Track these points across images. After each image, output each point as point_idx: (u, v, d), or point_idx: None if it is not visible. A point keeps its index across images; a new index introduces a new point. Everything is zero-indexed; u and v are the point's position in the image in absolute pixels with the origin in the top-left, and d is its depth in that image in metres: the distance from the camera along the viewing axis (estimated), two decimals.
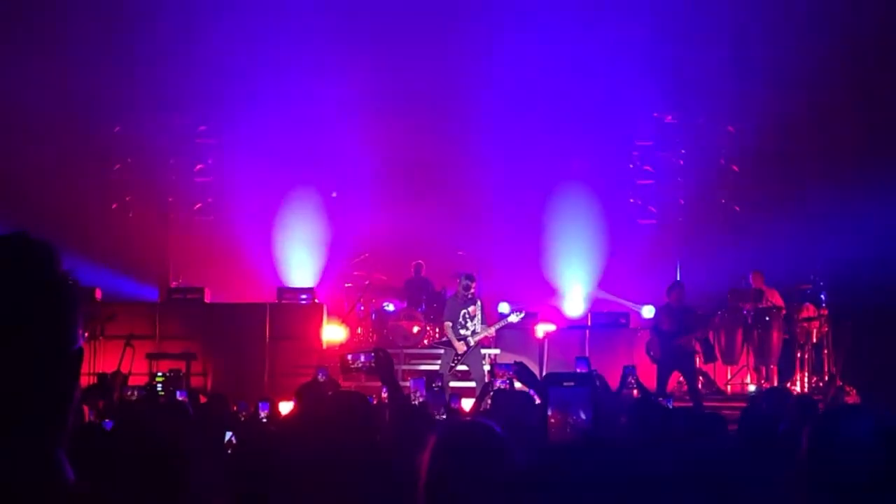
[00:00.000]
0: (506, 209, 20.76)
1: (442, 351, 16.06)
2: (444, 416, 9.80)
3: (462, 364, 15.58)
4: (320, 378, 12.55)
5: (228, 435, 8.82)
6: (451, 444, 3.24)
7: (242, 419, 10.81)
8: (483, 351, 16.75)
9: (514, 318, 16.05)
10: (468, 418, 7.66)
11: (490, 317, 16.43)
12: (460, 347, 15.47)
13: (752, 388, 17.26)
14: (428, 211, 20.50)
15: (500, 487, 3.20)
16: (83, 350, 1.92)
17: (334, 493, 4.34)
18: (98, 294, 18.64)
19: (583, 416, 3.81)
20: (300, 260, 20.96)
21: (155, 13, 19.50)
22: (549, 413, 3.81)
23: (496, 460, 3.26)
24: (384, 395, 9.54)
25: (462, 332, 15.54)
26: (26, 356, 1.81)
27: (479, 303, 15.74)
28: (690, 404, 14.83)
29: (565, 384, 3.87)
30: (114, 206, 21.21)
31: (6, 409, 1.80)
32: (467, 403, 12.19)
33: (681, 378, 16.31)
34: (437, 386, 13.33)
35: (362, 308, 19.75)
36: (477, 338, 15.56)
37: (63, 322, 1.88)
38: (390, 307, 19.54)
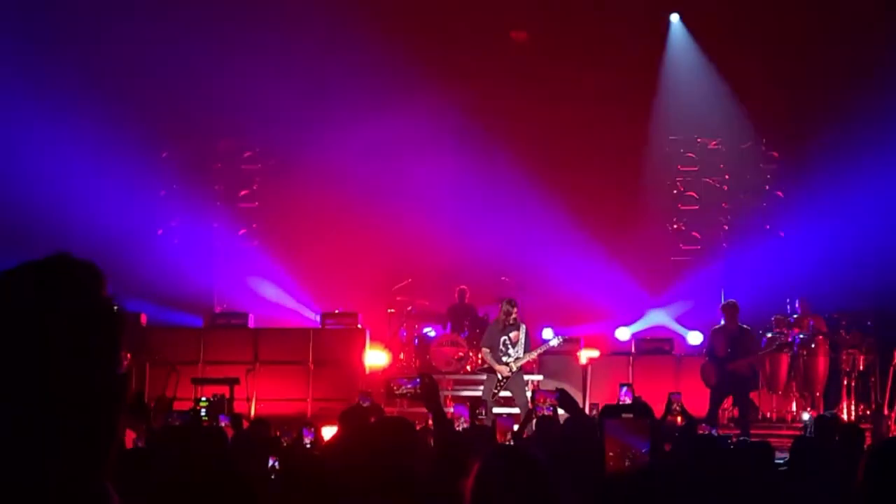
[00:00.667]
0: (550, 233, 20.71)
1: (485, 377, 16.06)
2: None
3: (505, 390, 15.54)
4: (363, 403, 12.55)
5: (271, 461, 8.83)
6: (495, 471, 3.24)
7: (285, 444, 10.81)
8: (526, 377, 16.68)
9: (554, 343, 16.02)
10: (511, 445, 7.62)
11: (534, 342, 16.33)
12: (503, 371, 15.42)
13: (805, 415, 16.95)
14: (472, 236, 20.55)
15: None
16: (127, 375, 1.92)
17: None
18: (143, 319, 18.80)
19: (642, 448, 3.76)
20: (343, 285, 20.97)
21: (192, 41, 19.63)
22: (606, 445, 3.77)
23: (538, 488, 3.26)
24: (429, 421, 9.55)
25: (504, 358, 15.49)
26: (70, 381, 1.79)
27: (523, 328, 15.67)
28: (736, 431, 14.71)
29: (623, 416, 3.83)
30: (159, 231, 21.39)
31: (50, 437, 1.77)
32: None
33: (724, 406, 16.18)
34: (481, 413, 13.27)
35: (405, 333, 19.73)
36: (519, 363, 15.49)
37: (106, 346, 1.86)
38: (431, 332, 19.52)
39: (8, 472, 1.75)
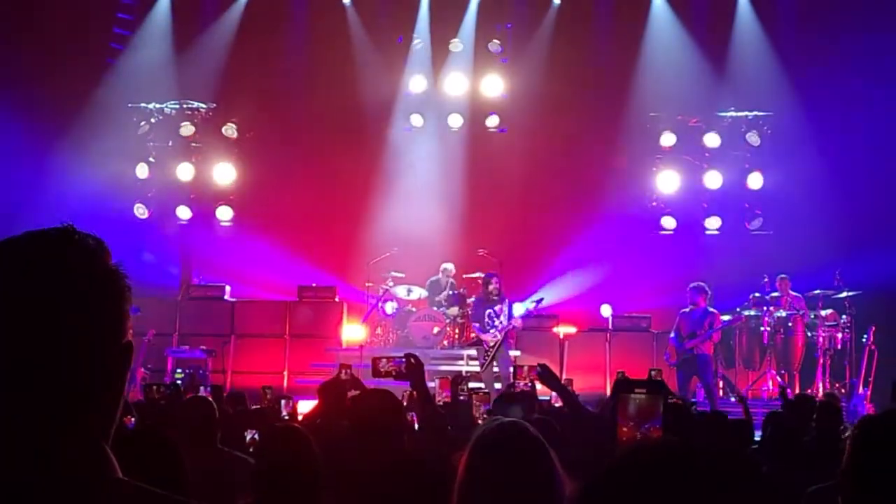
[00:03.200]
0: (530, 208, 20.72)
1: (475, 352, 16.71)
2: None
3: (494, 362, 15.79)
4: (343, 376, 12.49)
5: (250, 434, 8.78)
6: (489, 445, 3.21)
7: (262, 416, 10.75)
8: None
9: (530, 305, 16.59)
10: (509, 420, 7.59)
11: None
12: (490, 339, 16.03)
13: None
14: (451, 210, 20.58)
15: (537, 487, 3.16)
16: (132, 344, 1.90)
17: (366, 492, 4.31)
18: None
19: (655, 423, 3.71)
20: (321, 258, 20.89)
21: None
22: (619, 419, 3.72)
23: (532, 460, 3.23)
24: (406, 395, 9.53)
25: (492, 331, 16.09)
26: (76, 349, 1.79)
27: (506, 301, 16.33)
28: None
29: (637, 391, 3.78)
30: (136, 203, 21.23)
31: (57, 403, 1.78)
32: None
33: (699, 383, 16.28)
34: (463, 389, 13.25)
35: (383, 307, 19.66)
36: (504, 331, 16.09)
37: (112, 315, 1.86)
38: (394, 306, 19.49)
39: (14, 436, 1.76)
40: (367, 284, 19.85)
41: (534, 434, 3.28)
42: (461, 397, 10.66)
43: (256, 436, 8.30)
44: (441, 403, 10.13)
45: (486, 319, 16.14)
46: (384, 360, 6.15)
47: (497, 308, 16.13)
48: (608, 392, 13.08)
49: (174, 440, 3.87)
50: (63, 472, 1.76)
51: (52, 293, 1.78)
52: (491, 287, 16.23)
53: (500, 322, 16.06)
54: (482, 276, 16.87)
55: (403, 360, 5.99)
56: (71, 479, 1.76)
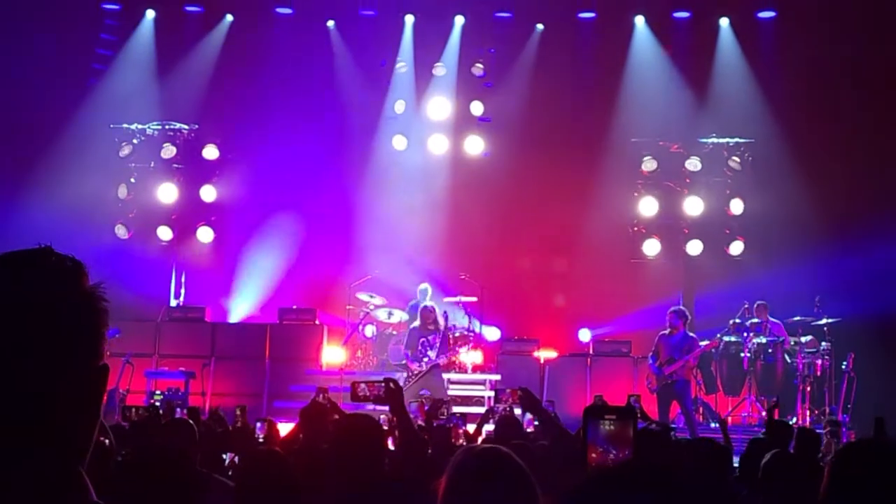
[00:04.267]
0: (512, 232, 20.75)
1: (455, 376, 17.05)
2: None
3: (424, 388, 15.81)
4: (321, 399, 12.46)
5: (228, 456, 8.74)
6: (470, 469, 3.20)
7: (240, 438, 10.71)
8: (484, 376, 17.76)
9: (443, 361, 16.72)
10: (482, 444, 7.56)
11: (452, 349, 17.34)
12: (415, 368, 16.28)
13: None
14: (432, 233, 20.58)
15: None
16: (107, 367, 1.88)
17: None
18: None
19: (626, 451, 3.70)
20: (300, 281, 20.84)
21: None
22: (588, 447, 3.71)
23: (513, 486, 3.22)
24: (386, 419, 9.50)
25: (424, 359, 16.27)
26: (52, 371, 1.77)
27: (441, 333, 16.56)
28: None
29: (606, 418, 3.76)
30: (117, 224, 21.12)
31: (32, 425, 1.76)
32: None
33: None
34: (443, 414, 13.25)
35: (363, 330, 19.61)
36: (430, 364, 16.27)
37: (89, 337, 1.84)
38: (372, 330, 19.51)
39: None
40: (347, 307, 19.81)
41: (515, 460, 3.27)
42: (441, 419, 10.65)
43: (236, 458, 8.27)
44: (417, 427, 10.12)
45: (419, 348, 16.32)
46: (363, 384, 6.12)
47: (431, 338, 16.34)
48: None
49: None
50: (38, 498, 1.74)
51: (24, 315, 1.76)
52: (430, 317, 16.43)
53: (431, 354, 16.24)
54: (427, 305, 16.99)
55: (382, 384, 5.97)
56: (39, 502, 1.74)
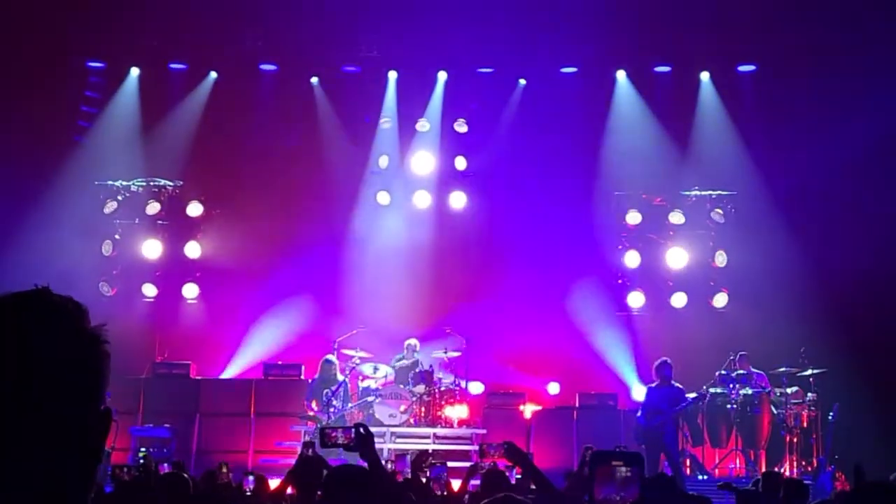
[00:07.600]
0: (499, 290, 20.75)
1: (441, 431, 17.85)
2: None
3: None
4: (308, 453, 12.41)
5: None
6: None
7: (229, 493, 10.66)
8: (470, 430, 17.97)
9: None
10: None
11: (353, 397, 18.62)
12: (322, 420, 17.17)
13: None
14: (417, 288, 20.59)
15: None
16: (111, 411, 1.85)
17: None
18: None
19: (629, 496, 3.71)
20: (286, 336, 20.79)
21: None
22: (595, 491, 3.72)
23: None
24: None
25: (330, 409, 17.55)
26: (55, 414, 1.74)
27: (346, 384, 18.26)
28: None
29: (614, 464, 3.78)
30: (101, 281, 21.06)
31: (34, 470, 1.72)
32: None
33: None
34: (427, 466, 13.21)
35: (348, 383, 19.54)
36: (340, 413, 17.64)
37: (90, 382, 1.81)
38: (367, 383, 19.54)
39: None
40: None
41: None
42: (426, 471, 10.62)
43: None
44: (402, 480, 10.09)
45: (324, 399, 17.66)
46: (333, 430, 6.10)
47: (334, 388, 17.74)
48: (575, 466, 13.03)
49: None
50: None
51: (28, 356, 1.72)
52: (333, 368, 17.99)
53: (336, 405, 17.59)
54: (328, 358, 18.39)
55: (353, 430, 5.94)
56: None
